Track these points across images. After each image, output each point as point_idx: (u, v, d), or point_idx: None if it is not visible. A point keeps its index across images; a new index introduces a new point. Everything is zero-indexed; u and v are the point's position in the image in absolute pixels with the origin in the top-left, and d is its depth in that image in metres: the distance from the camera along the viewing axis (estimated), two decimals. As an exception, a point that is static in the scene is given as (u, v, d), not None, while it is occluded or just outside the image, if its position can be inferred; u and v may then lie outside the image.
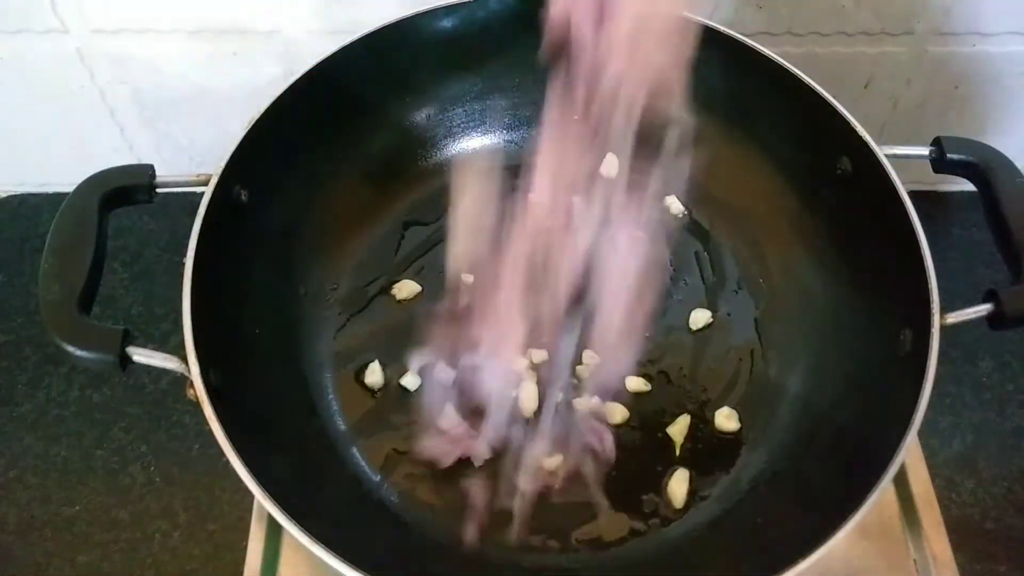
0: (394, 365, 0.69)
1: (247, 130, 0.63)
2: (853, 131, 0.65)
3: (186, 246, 0.58)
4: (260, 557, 0.62)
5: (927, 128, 0.69)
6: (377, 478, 0.65)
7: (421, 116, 0.78)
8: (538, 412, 0.66)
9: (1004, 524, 0.74)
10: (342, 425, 0.67)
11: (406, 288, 0.73)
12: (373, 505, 0.63)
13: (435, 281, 0.74)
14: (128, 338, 0.54)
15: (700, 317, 0.72)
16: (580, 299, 0.65)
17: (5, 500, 0.75)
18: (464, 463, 0.64)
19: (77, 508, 0.74)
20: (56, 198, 0.93)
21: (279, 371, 0.67)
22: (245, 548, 0.63)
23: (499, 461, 0.64)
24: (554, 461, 0.64)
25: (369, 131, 0.75)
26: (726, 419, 0.67)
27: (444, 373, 0.66)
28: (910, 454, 0.52)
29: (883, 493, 0.51)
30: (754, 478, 0.65)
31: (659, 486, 0.64)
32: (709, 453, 0.66)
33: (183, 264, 0.57)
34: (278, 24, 0.77)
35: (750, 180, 0.76)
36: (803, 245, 0.73)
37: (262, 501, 0.50)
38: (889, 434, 0.53)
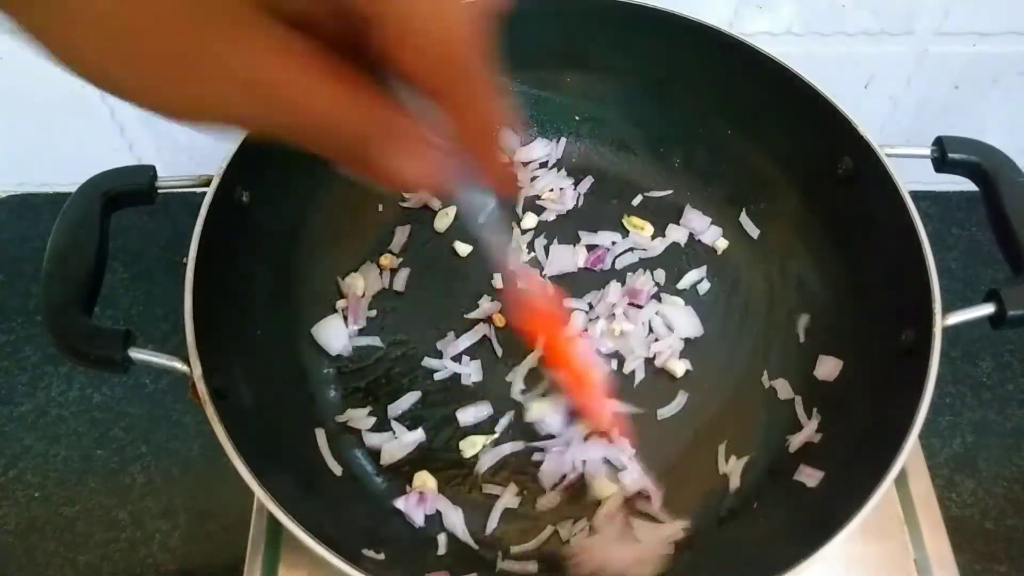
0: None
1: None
2: (854, 131, 0.65)
3: (187, 246, 0.58)
4: (260, 557, 0.62)
5: (927, 128, 0.69)
6: (379, 478, 0.65)
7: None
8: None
9: (1004, 524, 0.74)
10: (343, 425, 0.67)
11: (387, 260, 0.75)
12: (374, 505, 0.63)
13: (429, 274, 0.74)
14: (130, 339, 0.54)
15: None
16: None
17: (5, 500, 0.75)
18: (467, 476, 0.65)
19: (77, 508, 0.74)
20: (56, 198, 0.94)
21: (280, 371, 0.67)
22: (245, 548, 0.63)
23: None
24: None
25: (370, 131, 0.75)
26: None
27: None
28: (910, 454, 0.52)
29: (883, 493, 0.51)
30: (755, 478, 0.65)
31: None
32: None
33: (183, 264, 0.57)
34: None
35: (751, 180, 0.76)
36: (804, 245, 0.73)
37: (263, 500, 0.50)
38: (890, 435, 0.53)
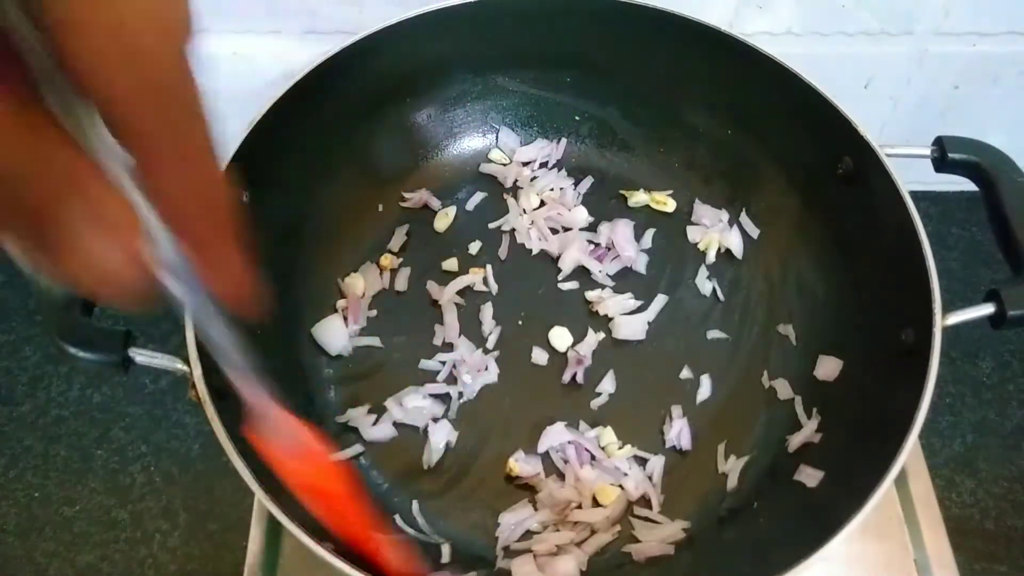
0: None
1: (248, 131, 0.63)
2: (854, 131, 0.65)
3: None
4: (260, 557, 0.62)
5: (927, 128, 0.69)
6: (378, 477, 0.65)
7: (422, 116, 0.78)
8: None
9: (1004, 524, 0.74)
10: (343, 425, 0.67)
11: (387, 260, 0.75)
12: (374, 506, 0.63)
13: (429, 274, 0.74)
14: (130, 339, 0.54)
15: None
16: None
17: (5, 500, 0.75)
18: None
19: (77, 508, 0.74)
20: (56, 198, 0.94)
21: (280, 371, 0.67)
22: (245, 548, 0.63)
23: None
24: None
25: (370, 132, 0.75)
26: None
27: None
28: (910, 454, 0.52)
29: (883, 493, 0.51)
30: (755, 478, 0.65)
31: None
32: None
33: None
34: (278, 25, 0.77)
35: (752, 180, 0.76)
36: (804, 245, 0.73)
37: (263, 501, 0.50)
38: (890, 434, 0.53)
